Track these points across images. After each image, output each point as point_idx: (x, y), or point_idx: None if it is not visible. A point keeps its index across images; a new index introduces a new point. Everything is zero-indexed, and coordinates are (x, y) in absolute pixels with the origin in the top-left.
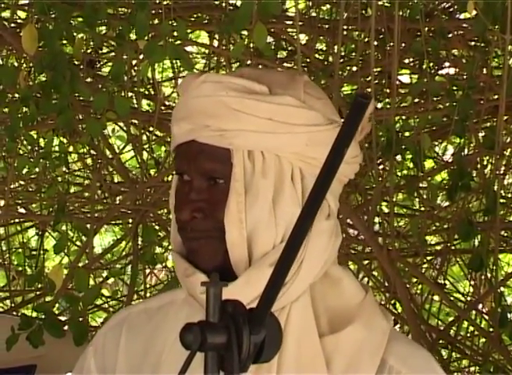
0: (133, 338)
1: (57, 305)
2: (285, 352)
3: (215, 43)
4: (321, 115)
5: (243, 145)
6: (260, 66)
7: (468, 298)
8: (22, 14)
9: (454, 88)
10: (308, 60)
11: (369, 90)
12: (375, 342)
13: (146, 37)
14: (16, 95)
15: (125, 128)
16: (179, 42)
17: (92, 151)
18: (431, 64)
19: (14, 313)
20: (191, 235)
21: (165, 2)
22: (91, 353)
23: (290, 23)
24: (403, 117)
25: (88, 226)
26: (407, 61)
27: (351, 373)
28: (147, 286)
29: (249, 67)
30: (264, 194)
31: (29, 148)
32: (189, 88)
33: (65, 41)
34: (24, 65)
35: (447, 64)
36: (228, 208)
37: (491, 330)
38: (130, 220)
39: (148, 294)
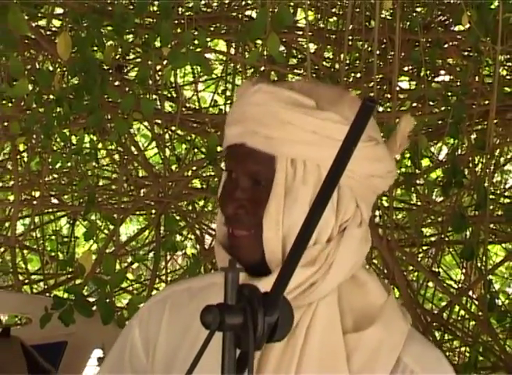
0: (176, 315)
1: (86, 287)
2: (309, 344)
3: (232, 50)
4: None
5: (287, 153)
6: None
7: (460, 285)
8: (57, 23)
9: (449, 94)
10: (317, 67)
11: (372, 94)
12: (393, 343)
13: (169, 45)
14: (51, 96)
15: (149, 127)
16: (199, 50)
17: (119, 148)
18: (428, 72)
19: (47, 294)
20: (235, 231)
21: (187, 13)
22: (136, 324)
23: (301, 33)
24: None
25: (115, 216)
26: (406, 68)
27: (368, 370)
28: (168, 271)
29: (303, 80)
30: (302, 200)
31: (62, 144)
32: (244, 95)
33: (96, 48)
34: (59, 69)
35: (443, 72)
36: (267, 210)
37: (480, 314)
38: (153, 211)
39: (169, 278)
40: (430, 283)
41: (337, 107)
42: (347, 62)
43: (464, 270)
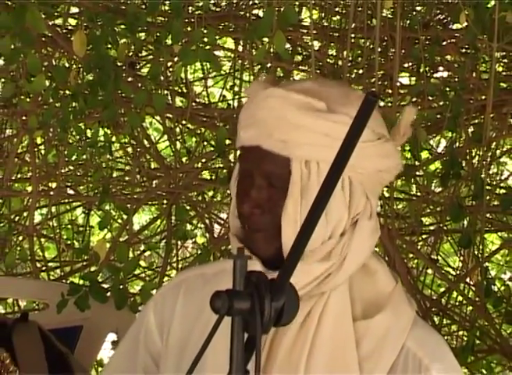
0: (190, 299)
1: (101, 274)
2: (321, 331)
3: (240, 48)
4: (371, 131)
5: (301, 155)
6: (286, 73)
7: (457, 272)
8: (72, 21)
9: (447, 89)
10: (321, 64)
11: (373, 90)
12: (399, 329)
13: (180, 43)
14: (67, 92)
15: (161, 121)
16: (208, 47)
17: (132, 141)
18: (427, 68)
19: (64, 281)
20: (251, 227)
21: (197, 12)
22: (151, 308)
23: (305, 31)
24: None
25: (128, 206)
26: (406, 65)
27: (376, 355)
28: (179, 258)
29: (310, 80)
30: None
31: (77, 137)
32: (256, 98)
33: (110, 45)
34: (74, 66)
35: (441, 68)
36: (285, 210)
37: (477, 299)
38: (165, 201)
39: (180, 265)
40: (429, 270)
41: (346, 108)
42: (350, 58)
43: (461, 258)
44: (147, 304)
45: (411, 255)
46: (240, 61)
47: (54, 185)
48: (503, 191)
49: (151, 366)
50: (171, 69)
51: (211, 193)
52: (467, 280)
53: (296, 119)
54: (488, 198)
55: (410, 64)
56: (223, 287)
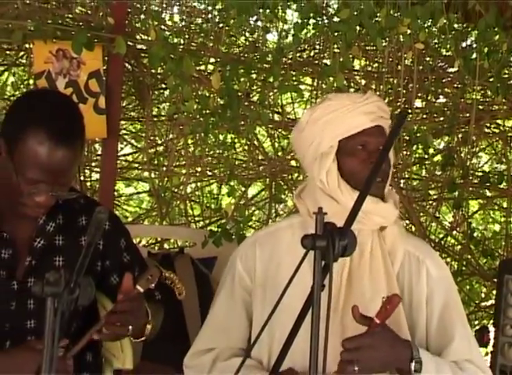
0: (263, 251)
1: (228, 224)
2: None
3: (315, 83)
4: None
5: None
6: None
7: (451, 224)
8: (211, 67)
9: (446, 110)
10: None
11: (405, 108)
12: (402, 236)
13: (278, 80)
14: (208, 111)
15: (265, 129)
16: (296, 83)
17: (248, 142)
18: (433, 96)
19: (205, 228)
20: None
21: (289, 61)
22: (238, 259)
23: (356, 73)
24: (418, 125)
25: (245, 182)
26: (420, 94)
27: (393, 251)
28: (277, 215)
29: None
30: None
31: (214, 140)
32: (368, 100)
33: (234, 82)
34: (212, 95)
35: (442, 96)
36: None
37: (464, 241)
38: (268, 179)
39: (278, 219)
40: (433, 223)
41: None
42: (384, 91)
43: (454, 215)
44: (234, 257)
45: (422, 214)
46: (315, 92)
47: (199, 169)
48: (480, 173)
49: (245, 295)
50: (272, 97)
51: (296, 174)
52: (458, 229)
53: (387, 109)
54: (471, 178)
55: (423, 93)
56: (282, 240)
